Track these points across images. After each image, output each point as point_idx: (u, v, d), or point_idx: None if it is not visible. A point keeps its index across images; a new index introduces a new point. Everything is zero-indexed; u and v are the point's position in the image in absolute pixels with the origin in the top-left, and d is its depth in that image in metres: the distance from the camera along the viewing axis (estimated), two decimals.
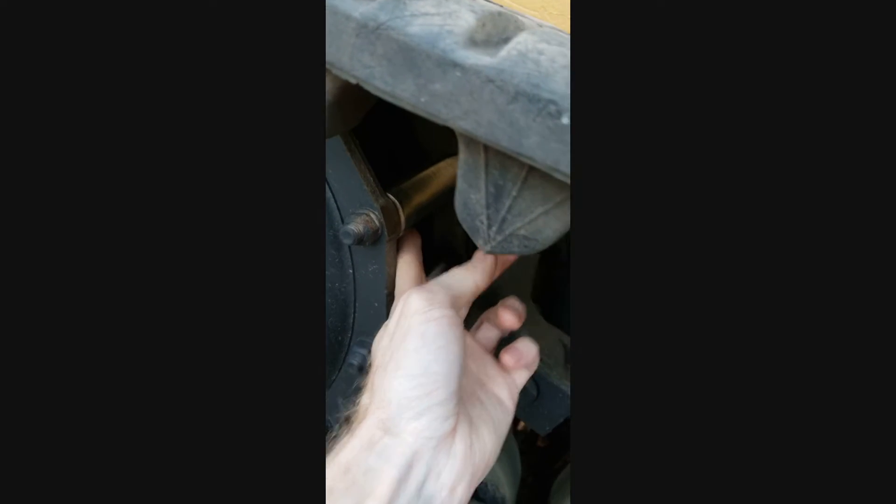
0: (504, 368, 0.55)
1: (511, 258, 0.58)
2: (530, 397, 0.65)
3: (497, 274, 0.56)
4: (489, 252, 0.39)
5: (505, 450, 0.85)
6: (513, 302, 0.57)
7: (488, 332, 0.58)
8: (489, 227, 0.37)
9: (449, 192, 0.67)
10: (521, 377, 0.56)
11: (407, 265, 0.57)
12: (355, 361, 0.59)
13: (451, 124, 0.32)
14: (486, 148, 0.34)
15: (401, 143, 0.72)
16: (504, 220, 0.36)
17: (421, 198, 0.62)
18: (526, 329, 0.66)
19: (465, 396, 0.47)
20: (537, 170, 0.35)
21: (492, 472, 0.80)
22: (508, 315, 0.56)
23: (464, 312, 0.53)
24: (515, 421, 1.15)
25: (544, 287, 0.82)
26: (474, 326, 0.58)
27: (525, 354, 0.55)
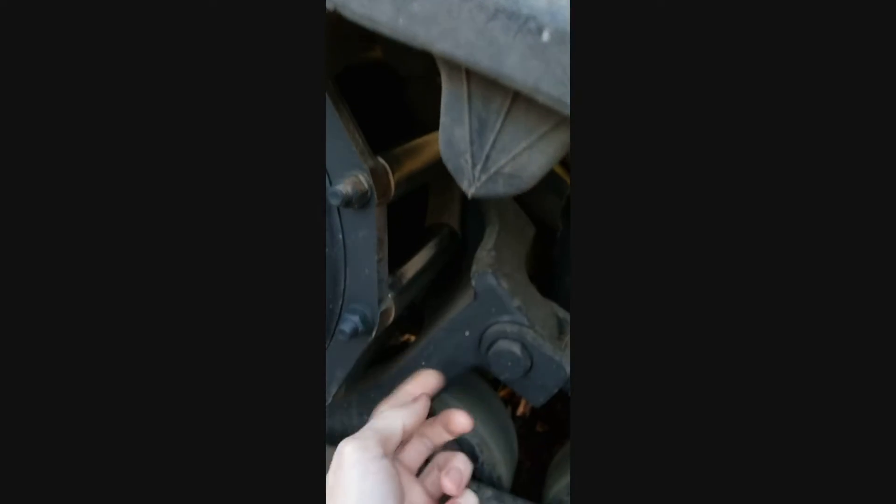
0: None
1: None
2: (524, 368, 0.63)
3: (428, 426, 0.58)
4: (473, 195, 0.37)
5: (501, 430, 0.83)
6: (458, 463, 0.56)
7: (436, 477, 0.57)
8: (474, 165, 0.35)
9: (442, 162, 0.66)
10: None
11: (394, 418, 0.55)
12: (347, 328, 0.57)
13: (429, 47, 0.30)
14: (469, 77, 0.33)
15: (394, 114, 0.70)
16: (489, 157, 0.34)
17: (413, 165, 0.60)
18: (522, 298, 0.64)
19: None
20: (520, 101, 0.33)
21: (488, 452, 0.78)
22: (448, 482, 0.54)
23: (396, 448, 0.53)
24: (514, 405, 1.13)
25: (540, 264, 0.80)
26: (424, 473, 0.58)
27: (464, 472, 0.55)
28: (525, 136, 0.33)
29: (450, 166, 0.37)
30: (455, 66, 0.32)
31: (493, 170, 0.35)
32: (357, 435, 0.50)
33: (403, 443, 0.54)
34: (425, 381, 0.61)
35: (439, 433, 0.59)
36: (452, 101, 0.34)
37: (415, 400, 0.56)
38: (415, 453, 0.58)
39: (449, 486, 0.54)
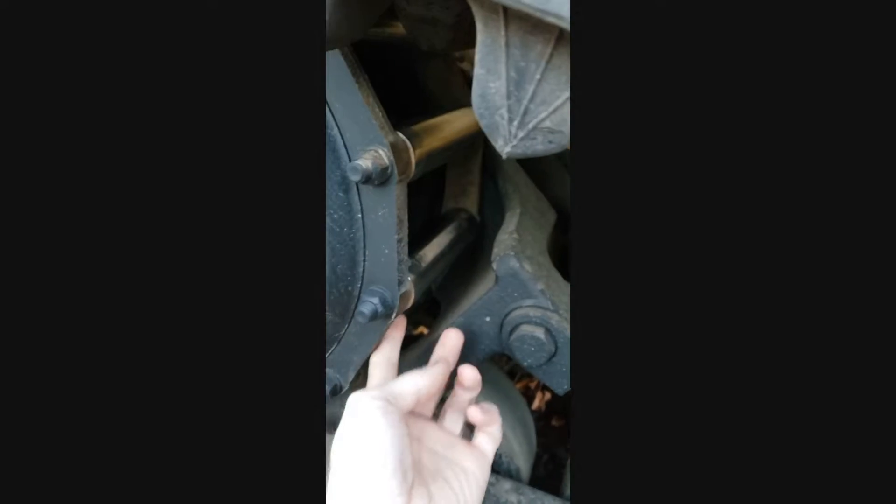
0: (472, 445, 0.56)
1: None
2: (548, 354, 0.60)
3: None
4: (508, 154, 0.34)
5: (519, 421, 0.80)
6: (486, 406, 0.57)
7: (454, 419, 0.58)
8: (510, 121, 0.32)
9: (462, 142, 0.63)
10: (489, 446, 0.57)
11: (377, 367, 0.57)
12: (366, 310, 0.53)
13: None
14: (507, 21, 0.30)
15: (409, 94, 0.67)
16: (527, 111, 0.32)
17: (433, 142, 0.57)
18: (545, 282, 0.61)
19: (427, 476, 0.50)
20: (563, 45, 0.30)
21: (506, 443, 0.75)
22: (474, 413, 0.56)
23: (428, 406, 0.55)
24: (529, 399, 1.10)
25: (561, 250, 0.77)
26: (440, 415, 0.59)
27: (488, 408, 0.56)
28: (568, 86, 0.30)
29: (484, 123, 0.34)
30: (492, 9, 0.29)
31: (531, 125, 0.32)
32: (365, 389, 0.50)
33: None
34: (398, 324, 0.60)
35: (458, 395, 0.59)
36: (488, 51, 0.31)
37: (433, 364, 0.55)
38: (426, 402, 0.58)
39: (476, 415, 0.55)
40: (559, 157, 0.81)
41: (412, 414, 0.55)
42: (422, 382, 0.52)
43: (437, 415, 0.60)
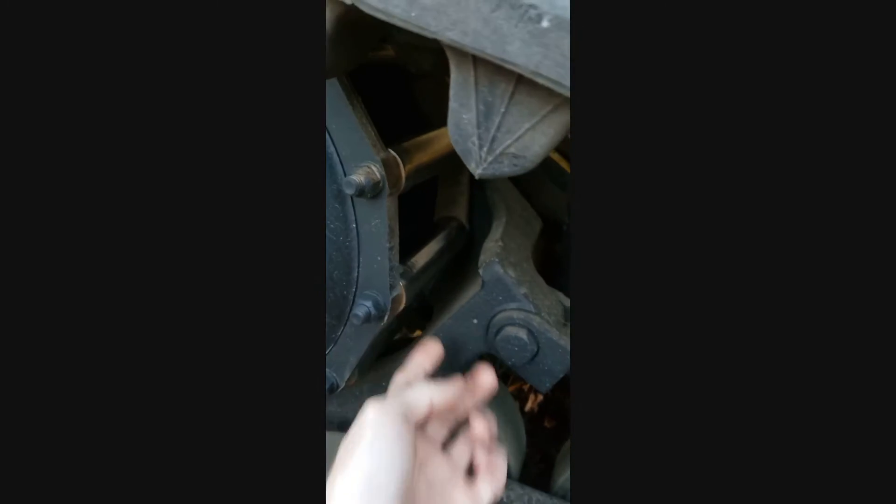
0: (471, 487, 0.56)
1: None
2: (530, 353, 0.66)
3: (461, 401, 0.58)
4: (480, 176, 0.40)
5: (509, 421, 0.86)
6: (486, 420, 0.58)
7: (462, 451, 0.59)
8: (480, 147, 0.38)
9: (450, 156, 0.69)
10: (487, 490, 0.57)
11: (399, 387, 0.58)
12: (360, 313, 0.60)
13: (440, 36, 0.34)
14: (476, 63, 0.36)
15: (402, 111, 0.73)
16: (494, 138, 0.38)
17: (423, 157, 0.63)
18: (528, 287, 0.67)
19: None
20: (523, 84, 0.36)
21: None
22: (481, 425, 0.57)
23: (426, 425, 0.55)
24: (522, 401, 1.15)
25: (546, 257, 0.83)
26: (451, 445, 0.60)
27: (496, 465, 0.57)
28: (528, 118, 0.37)
29: (458, 149, 0.40)
30: (463, 54, 0.36)
31: (498, 150, 0.38)
32: (384, 399, 0.51)
33: (429, 418, 0.55)
34: (430, 350, 0.62)
35: (462, 402, 0.59)
36: (460, 88, 0.37)
37: (452, 383, 0.56)
38: (438, 426, 0.59)
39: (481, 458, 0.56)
40: (546, 169, 0.87)
41: (422, 435, 0.57)
42: (437, 397, 0.53)
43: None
